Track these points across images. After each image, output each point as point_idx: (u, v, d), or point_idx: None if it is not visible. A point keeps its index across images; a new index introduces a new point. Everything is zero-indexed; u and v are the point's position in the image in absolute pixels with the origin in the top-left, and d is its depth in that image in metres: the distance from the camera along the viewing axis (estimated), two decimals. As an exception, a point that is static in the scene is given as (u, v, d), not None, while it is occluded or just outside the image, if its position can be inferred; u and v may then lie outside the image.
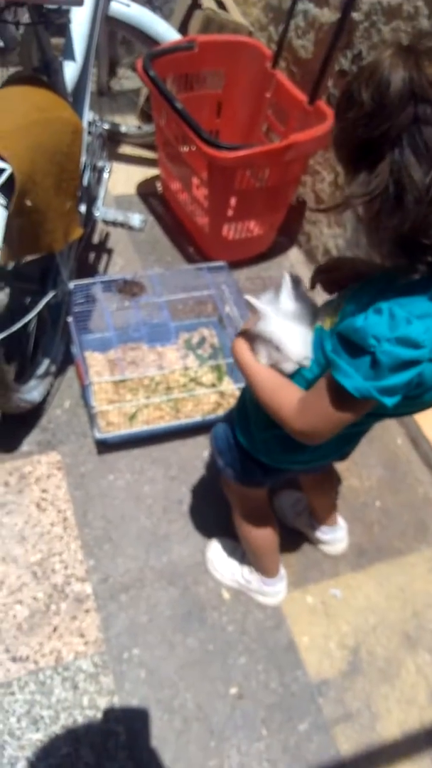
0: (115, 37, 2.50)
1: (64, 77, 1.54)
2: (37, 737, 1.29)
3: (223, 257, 1.95)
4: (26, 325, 1.55)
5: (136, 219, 2.00)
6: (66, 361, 1.86)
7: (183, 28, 2.37)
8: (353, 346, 0.78)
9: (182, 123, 1.85)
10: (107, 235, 2.24)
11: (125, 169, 2.49)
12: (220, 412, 1.77)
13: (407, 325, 0.74)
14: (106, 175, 1.97)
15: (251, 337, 0.98)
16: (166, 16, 2.44)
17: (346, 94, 0.71)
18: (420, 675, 1.45)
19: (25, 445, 1.70)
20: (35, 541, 1.54)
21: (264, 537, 1.38)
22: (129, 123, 2.58)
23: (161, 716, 1.34)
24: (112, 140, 2.54)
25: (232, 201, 2.02)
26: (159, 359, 1.86)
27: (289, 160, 1.90)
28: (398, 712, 1.40)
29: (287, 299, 0.93)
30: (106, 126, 2.51)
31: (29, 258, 1.68)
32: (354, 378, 0.78)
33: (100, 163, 1.92)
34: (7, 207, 1.17)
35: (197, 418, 1.74)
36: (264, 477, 1.19)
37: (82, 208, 1.74)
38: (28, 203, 1.23)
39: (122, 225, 2.01)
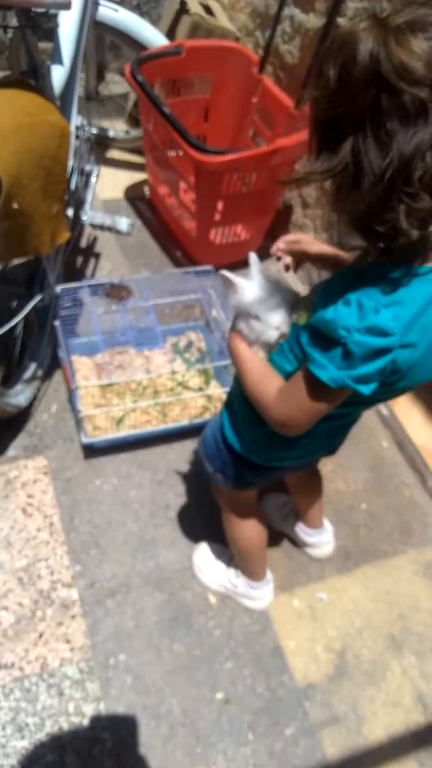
0: (104, 42, 2.50)
1: (51, 81, 1.54)
2: (22, 745, 1.27)
3: (211, 261, 1.96)
4: (12, 328, 1.55)
5: (123, 223, 2.00)
6: (53, 365, 1.85)
7: (171, 34, 2.38)
8: (325, 338, 0.79)
9: (170, 127, 1.86)
10: (95, 239, 2.23)
11: (113, 173, 2.49)
12: (208, 416, 1.77)
13: (375, 315, 0.74)
14: (93, 179, 1.97)
15: (235, 315, 1.00)
16: (154, 21, 2.45)
17: (317, 68, 0.70)
18: (405, 677, 1.46)
19: (12, 450, 1.69)
20: (21, 546, 1.53)
21: (253, 538, 1.38)
22: (117, 127, 2.58)
23: (148, 722, 1.34)
24: (100, 145, 2.54)
25: (220, 205, 2.02)
26: (146, 363, 1.86)
27: (275, 164, 1.91)
28: (384, 715, 1.40)
29: (257, 273, 0.97)
30: (95, 130, 2.51)
31: (16, 261, 1.67)
32: (328, 369, 0.80)
33: (87, 167, 1.92)
34: (-7, 210, 1.16)
35: (184, 422, 1.74)
36: (255, 477, 1.20)
37: (70, 212, 1.74)
38: (15, 206, 1.23)
39: (110, 229, 2.00)
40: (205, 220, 2.06)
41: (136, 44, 2.13)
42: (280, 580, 1.56)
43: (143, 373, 1.82)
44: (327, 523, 1.60)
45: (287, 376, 0.94)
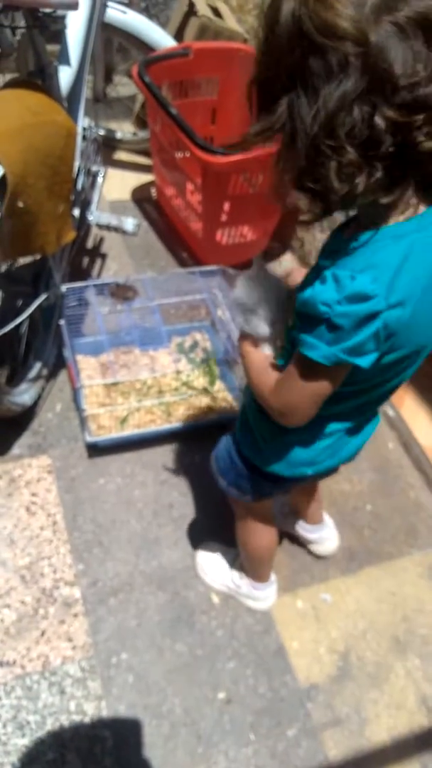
0: (112, 44, 2.52)
1: (59, 82, 1.55)
2: (23, 742, 1.27)
3: (217, 262, 1.96)
4: (18, 327, 1.55)
5: (129, 223, 2.01)
6: (58, 364, 1.85)
7: (178, 36, 2.39)
8: (309, 318, 0.78)
9: (177, 129, 1.86)
10: (101, 239, 2.24)
11: (120, 174, 2.50)
12: (212, 416, 1.77)
13: (352, 282, 0.73)
14: (100, 179, 1.97)
15: (237, 311, 1.02)
16: (162, 24, 2.46)
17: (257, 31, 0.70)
18: (409, 680, 1.44)
19: (16, 449, 1.70)
20: (24, 544, 1.53)
21: (265, 547, 1.38)
22: (124, 129, 2.60)
23: (149, 721, 1.33)
24: (107, 146, 2.55)
25: (226, 206, 2.02)
26: (151, 363, 1.86)
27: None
28: (387, 718, 1.39)
29: (256, 269, 0.99)
30: (102, 132, 2.52)
31: (22, 261, 1.68)
32: (319, 347, 0.78)
33: (94, 168, 1.93)
34: (-2, 208, 1.17)
35: (189, 422, 1.74)
36: (274, 488, 1.19)
37: (76, 212, 1.75)
38: (21, 205, 1.24)
39: (116, 229, 2.01)
40: (211, 221, 2.07)
41: (144, 46, 2.14)
42: (283, 581, 1.55)
43: (148, 372, 1.82)
44: (327, 518, 1.60)
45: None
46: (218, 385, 1.86)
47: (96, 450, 1.72)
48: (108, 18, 1.99)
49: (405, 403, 1.96)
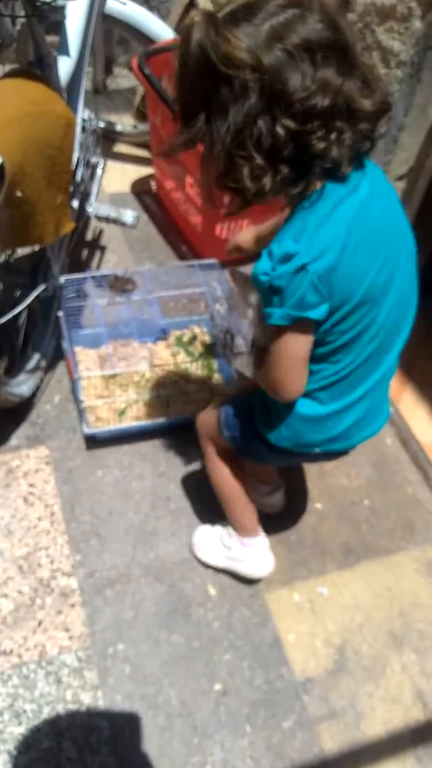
0: (112, 35, 2.51)
1: (58, 72, 1.55)
2: (19, 731, 1.28)
3: (216, 256, 1.96)
4: (16, 318, 1.55)
5: (128, 215, 2.00)
6: (56, 356, 1.85)
7: (179, 28, 2.38)
8: (261, 293, 0.93)
9: (177, 121, 1.85)
10: (101, 232, 2.24)
11: (120, 167, 2.50)
12: (210, 410, 1.76)
13: (279, 248, 0.87)
14: (99, 171, 1.97)
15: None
16: (163, 16, 2.45)
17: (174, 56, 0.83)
18: (405, 674, 1.45)
19: (14, 439, 1.70)
20: (22, 535, 1.53)
21: (235, 477, 1.39)
22: (124, 122, 2.59)
23: (145, 712, 1.34)
24: (107, 139, 2.54)
25: (226, 200, 2.01)
26: (149, 356, 1.86)
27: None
28: (383, 711, 1.39)
29: (232, 278, 1.14)
30: (102, 124, 2.51)
31: (20, 252, 1.68)
32: (274, 312, 0.91)
33: (93, 159, 1.93)
34: (-4, 197, 1.17)
35: (187, 414, 1.74)
36: (279, 461, 1.30)
37: (75, 204, 1.75)
38: (19, 194, 1.23)
39: (115, 221, 2.01)
40: (211, 214, 2.06)
41: (144, 38, 2.13)
42: (280, 574, 1.55)
43: (146, 365, 1.82)
44: (278, 479, 1.63)
45: None
46: (216, 378, 1.86)
47: (94, 442, 1.72)
48: (108, 9, 1.98)
49: (403, 400, 1.96)
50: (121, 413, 1.73)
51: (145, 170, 2.50)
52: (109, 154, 2.50)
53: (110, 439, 1.72)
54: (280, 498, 1.63)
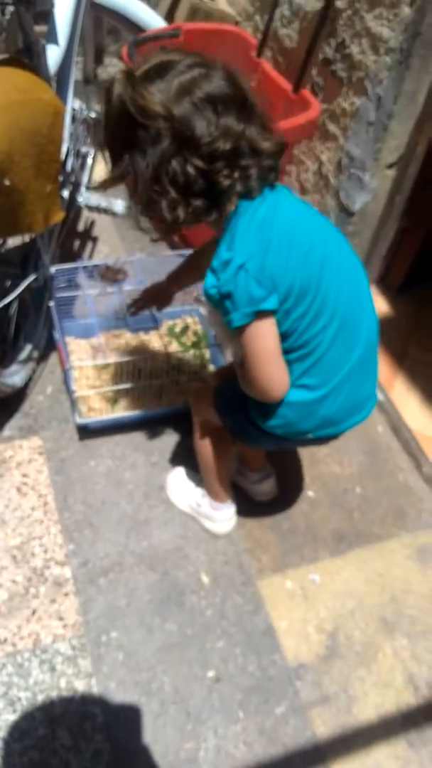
0: (102, 24, 2.50)
1: (46, 61, 1.54)
2: (13, 719, 1.28)
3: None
4: (7, 308, 1.55)
5: (118, 204, 2.00)
6: (49, 347, 1.85)
7: (169, 17, 2.37)
8: (218, 306, 1.03)
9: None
10: (92, 222, 2.23)
11: (111, 157, 2.48)
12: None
13: (217, 260, 1.00)
14: (89, 160, 1.96)
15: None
16: (153, 4, 2.44)
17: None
18: (397, 659, 1.46)
19: (7, 430, 1.70)
20: (15, 524, 1.54)
21: (220, 451, 1.44)
22: (115, 112, 2.57)
23: (139, 699, 1.34)
24: (98, 129, 2.52)
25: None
26: (142, 346, 1.86)
27: (273, 148, 1.90)
28: (375, 696, 1.41)
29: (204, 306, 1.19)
30: (92, 114, 2.50)
31: (10, 242, 1.67)
32: (233, 315, 1.00)
33: (83, 149, 1.92)
34: (-16, 186, 1.16)
35: (179, 405, 1.74)
36: (271, 445, 1.34)
37: (65, 193, 1.74)
38: (7, 183, 1.23)
39: (105, 210, 2.00)
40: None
41: (134, 26, 2.12)
42: (272, 561, 1.56)
43: (139, 355, 1.82)
44: (269, 466, 1.66)
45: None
46: (209, 368, 1.86)
47: (87, 432, 1.72)
48: (97, -3, 1.97)
49: (395, 388, 1.97)
50: (114, 403, 1.73)
51: (136, 160, 2.48)
52: (100, 144, 2.48)
53: (103, 429, 1.72)
54: (272, 485, 1.64)
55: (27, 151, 1.29)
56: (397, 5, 1.62)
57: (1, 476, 1.61)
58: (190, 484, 1.62)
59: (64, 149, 1.61)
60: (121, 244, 2.19)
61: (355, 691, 1.41)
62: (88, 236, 2.19)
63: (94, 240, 2.18)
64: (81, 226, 2.21)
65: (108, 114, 0.94)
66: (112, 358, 1.78)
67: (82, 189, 1.91)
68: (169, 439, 1.75)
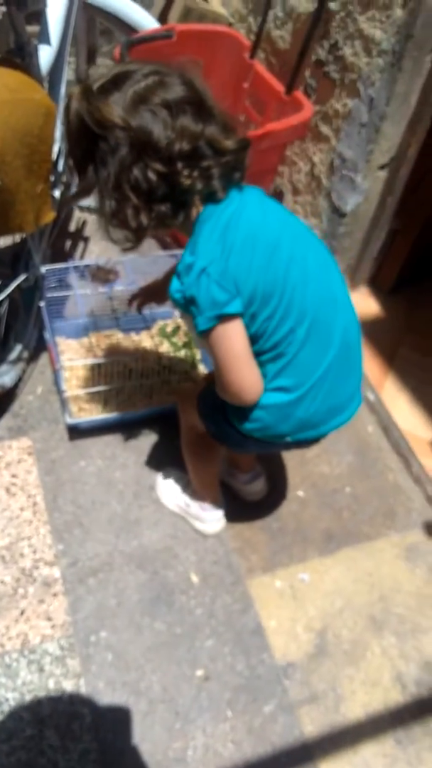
0: (95, 25, 2.49)
1: (38, 61, 1.53)
2: (0, 719, 1.28)
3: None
4: (-3, 308, 1.55)
5: (111, 206, 2.00)
6: (39, 347, 1.85)
7: (163, 18, 2.37)
8: (184, 310, 1.04)
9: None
10: (84, 222, 2.23)
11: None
12: (193, 399, 1.77)
13: (181, 264, 1.01)
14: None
15: None
16: (146, 5, 2.44)
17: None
18: (385, 657, 1.47)
19: (-4, 430, 1.70)
20: (4, 525, 1.54)
21: (209, 456, 1.45)
22: (108, 112, 2.57)
23: (127, 698, 1.35)
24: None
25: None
26: (133, 346, 1.86)
27: (265, 148, 1.91)
28: (363, 694, 1.41)
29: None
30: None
31: (1, 242, 1.67)
32: (199, 319, 1.00)
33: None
34: (-26, 185, 1.16)
35: (170, 404, 1.74)
36: (255, 447, 1.30)
37: (56, 193, 1.74)
38: (-3, 182, 1.23)
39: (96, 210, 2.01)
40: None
41: (127, 27, 2.12)
42: (262, 561, 1.57)
43: (129, 356, 1.82)
44: (258, 466, 1.66)
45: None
46: (199, 368, 1.87)
47: (77, 432, 1.72)
48: (90, -3, 1.97)
49: (385, 388, 1.98)
50: (104, 404, 1.73)
51: (128, 161, 2.48)
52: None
53: (93, 429, 1.72)
54: (262, 486, 1.65)
55: (18, 150, 1.29)
56: (389, 7, 1.63)
57: (-10, 476, 1.61)
58: (179, 485, 1.62)
59: (55, 149, 1.61)
60: (112, 245, 2.19)
61: (344, 689, 1.42)
62: (79, 236, 2.19)
63: (86, 240, 2.18)
64: (72, 226, 2.21)
65: (68, 129, 0.97)
66: (103, 359, 1.78)
67: (73, 189, 1.90)
68: (160, 440, 1.75)
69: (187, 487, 1.59)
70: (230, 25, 2.37)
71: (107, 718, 1.32)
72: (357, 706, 1.40)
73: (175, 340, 1.92)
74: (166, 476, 1.66)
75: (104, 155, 0.95)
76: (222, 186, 1.00)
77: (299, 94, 1.99)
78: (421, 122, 1.80)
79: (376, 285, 2.25)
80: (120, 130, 0.93)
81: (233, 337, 1.02)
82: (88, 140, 0.95)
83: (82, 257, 2.13)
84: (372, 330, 2.10)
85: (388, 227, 2.06)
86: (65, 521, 1.57)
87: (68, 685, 1.34)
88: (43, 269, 1.71)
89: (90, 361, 1.75)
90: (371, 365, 2.02)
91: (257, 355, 1.06)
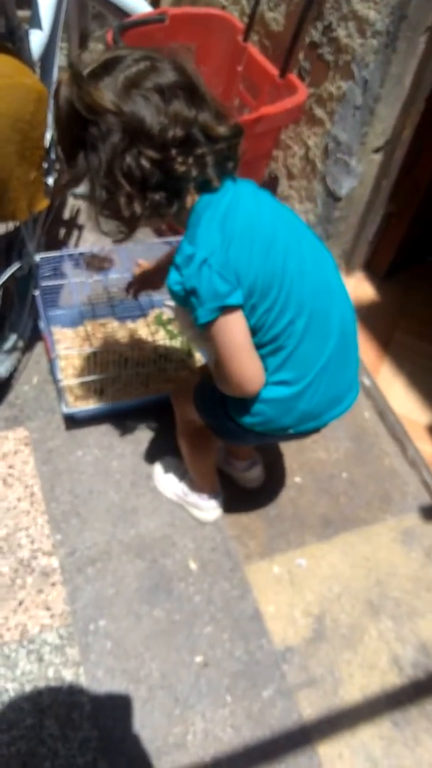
0: (87, 10, 2.45)
1: (29, 45, 1.51)
2: (0, 710, 1.29)
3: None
4: (-10, 297, 1.54)
5: (105, 193, 1.98)
6: (34, 337, 1.84)
7: (155, 1, 2.33)
8: (182, 303, 1.02)
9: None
10: (78, 210, 2.21)
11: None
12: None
13: (179, 256, 0.99)
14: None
15: None
16: (138, -12, 2.40)
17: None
18: (382, 641, 1.48)
19: (-8, 421, 1.69)
20: (1, 516, 1.54)
21: (205, 447, 1.45)
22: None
23: (127, 686, 1.35)
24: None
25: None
26: (129, 335, 1.86)
27: (259, 132, 1.89)
28: (360, 677, 1.43)
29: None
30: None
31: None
32: (200, 311, 0.99)
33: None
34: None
35: (166, 393, 1.73)
36: (255, 440, 1.31)
37: (50, 181, 1.72)
38: (-12, 170, 1.21)
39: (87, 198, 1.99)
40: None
41: (119, 11, 2.09)
42: (260, 547, 1.57)
43: (125, 344, 1.81)
44: (256, 455, 1.67)
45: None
46: (196, 356, 1.86)
47: (73, 422, 1.71)
48: (81, -20, 1.94)
49: (381, 373, 1.97)
50: (101, 393, 1.73)
51: (121, 147, 2.46)
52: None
53: (90, 418, 1.72)
54: (259, 473, 1.65)
55: (10, 136, 1.27)
56: (382, -12, 1.60)
57: (-13, 466, 1.61)
58: (177, 473, 1.62)
59: (48, 136, 1.59)
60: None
61: (341, 673, 1.43)
62: (73, 224, 2.17)
63: (80, 228, 2.16)
64: (66, 214, 2.19)
65: (57, 116, 0.95)
66: (99, 347, 1.77)
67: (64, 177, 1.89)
68: (157, 428, 1.75)
69: (185, 476, 1.60)
70: (223, 7, 2.33)
71: (107, 705, 1.33)
72: (355, 690, 1.41)
73: (171, 328, 1.91)
74: (163, 464, 1.66)
75: (95, 141, 0.92)
76: (217, 174, 0.99)
77: (293, 77, 1.97)
78: (415, 104, 1.78)
79: (371, 270, 2.24)
80: (111, 116, 0.90)
81: (235, 328, 1.00)
82: (78, 126, 0.93)
83: (76, 245, 2.11)
84: (367, 315, 2.09)
85: (383, 211, 2.05)
86: (63, 511, 1.57)
87: (68, 674, 1.35)
88: (38, 258, 1.70)
89: (86, 350, 1.74)
90: (367, 350, 2.01)
91: (257, 348, 1.06)
